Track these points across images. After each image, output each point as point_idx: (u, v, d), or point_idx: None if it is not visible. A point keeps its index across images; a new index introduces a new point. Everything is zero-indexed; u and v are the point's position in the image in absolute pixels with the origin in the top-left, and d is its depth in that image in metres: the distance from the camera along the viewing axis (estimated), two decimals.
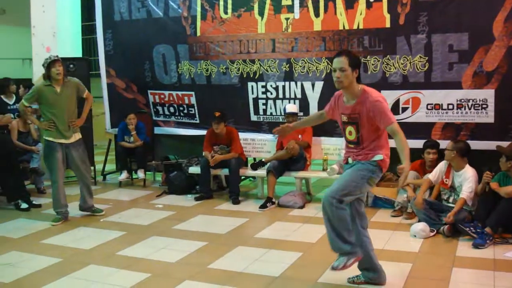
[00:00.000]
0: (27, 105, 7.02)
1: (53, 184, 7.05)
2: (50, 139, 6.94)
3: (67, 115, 6.98)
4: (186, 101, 9.33)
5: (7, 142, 7.96)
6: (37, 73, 8.88)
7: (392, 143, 7.69)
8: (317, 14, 7.99)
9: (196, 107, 9.29)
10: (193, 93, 9.22)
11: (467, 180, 6.28)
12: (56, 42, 9.65)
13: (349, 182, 4.40)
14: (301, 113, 8.28)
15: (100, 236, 6.48)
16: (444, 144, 6.90)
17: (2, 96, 8.63)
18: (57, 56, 6.98)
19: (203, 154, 8.44)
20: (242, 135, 8.66)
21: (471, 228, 5.94)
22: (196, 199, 8.29)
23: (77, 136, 7.15)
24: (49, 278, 5.10)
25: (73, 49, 10.16)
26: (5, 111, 8.11)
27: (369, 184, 4.49)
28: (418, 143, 7.24)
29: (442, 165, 6.60)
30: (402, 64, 7.53)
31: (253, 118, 8.84)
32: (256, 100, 8.73)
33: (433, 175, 6.62)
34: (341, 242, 4.35)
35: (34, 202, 7.86)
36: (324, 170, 8.08)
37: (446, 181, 6.52)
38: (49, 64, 6.81)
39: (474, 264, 5.29)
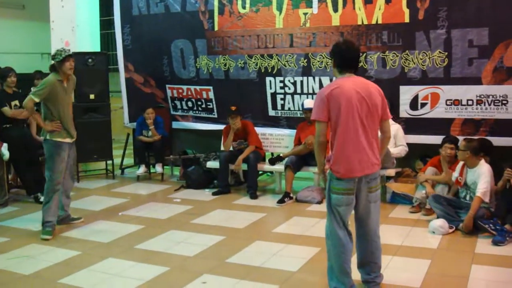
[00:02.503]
0: (37, 102, 6.22)
1: (53, 187, 6.24)
2: (59, 139, 6.23)
3: (70, 112, 6.45)
4: (204, 96, 9.35)
5: (27, 136, 8.02)
6: None
7: (410, 138, 7.68)
8: (335, 9, 7.95)
9: (214, 102, 9.31)
10: (211, 87, 9.23)
11: (481, 176, 6.12)
12: (75, 36, 9.70)
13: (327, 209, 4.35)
14: None
15: (119, 230, 6.52)
16: None
17: (20, 90, 8.70)
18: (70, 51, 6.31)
19: (223, 148, 8.55)
20: (260, 130, 8.68)
21: (491, 225, 5.87)
22: (214, 193, 8.30)
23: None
24: (68, 271, 5.15)
25: (92, 43, 10.20)
26: None
27: (333, 192, 4.25)
28: (437, 139, 7.20)
29: (459, 166, 6.54)
30: (421, 59, 7.47)
31: (271, 113, 8.83)
32: (274, 95, 8.71)
33: (454, 176, 6.59)
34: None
35: None
36: None
37: (460, 179, 6.41)
38: (65, 58, 6.12)
39: (493, 261, 5.26)
